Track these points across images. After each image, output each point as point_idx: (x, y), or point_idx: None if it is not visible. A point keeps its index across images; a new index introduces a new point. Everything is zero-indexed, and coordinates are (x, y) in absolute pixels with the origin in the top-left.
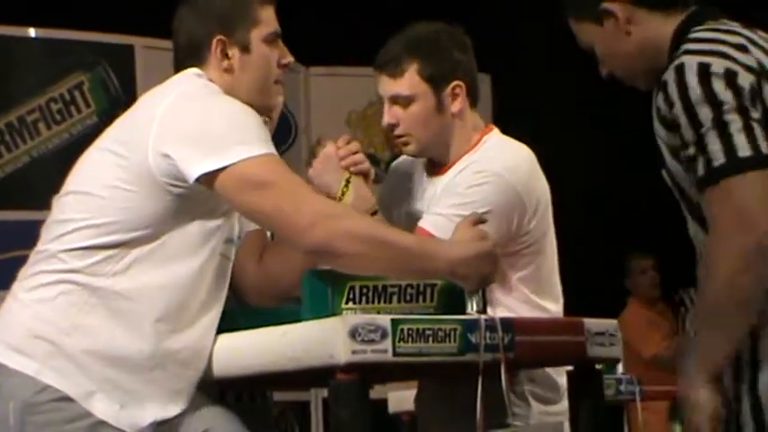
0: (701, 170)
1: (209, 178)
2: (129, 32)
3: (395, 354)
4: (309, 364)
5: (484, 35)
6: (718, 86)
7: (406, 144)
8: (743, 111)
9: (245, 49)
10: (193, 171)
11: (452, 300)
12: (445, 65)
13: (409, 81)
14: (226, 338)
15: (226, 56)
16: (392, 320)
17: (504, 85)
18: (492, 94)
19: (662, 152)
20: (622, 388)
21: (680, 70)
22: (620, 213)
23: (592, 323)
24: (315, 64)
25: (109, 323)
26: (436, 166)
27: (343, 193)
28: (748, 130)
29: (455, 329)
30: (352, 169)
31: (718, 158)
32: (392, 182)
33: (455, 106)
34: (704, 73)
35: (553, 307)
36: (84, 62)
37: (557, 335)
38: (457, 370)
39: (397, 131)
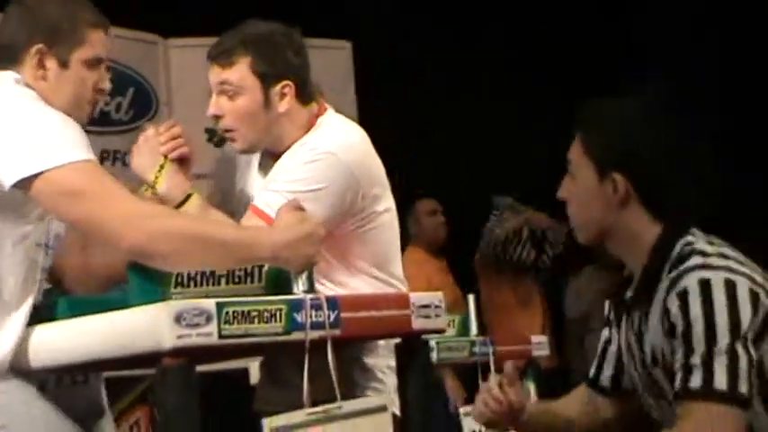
0: (696, 381)
1: (24, 184)
2: None
3: (221, 336)
4: (137, 350)
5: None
6: (744, 311)
7: (233, 140)
8: (755, 342)
9: (64, 65)
10: (9, 177)
11: (281, 280)
12: (277, 64)
13: (239, 73)
14: (46, 328)
15: (42, 66)
16: (217, 303)
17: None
18: (354, 62)
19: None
20: (476, 349)
21: (706, 286)
22: None
23: (417, 296)
24: (174, 35)
25: None
26: (272, 154)
27: (156, 178)
28: (750, 366)
29: (281, 309)
30: (170, 155)
31: (720, 384)
32: (228, 166)
33: (282, 106)
34: (732, 294)
35: (396, 281)
36: None
37: (382, 309)
38: (285, 349)
39: (222, 124)
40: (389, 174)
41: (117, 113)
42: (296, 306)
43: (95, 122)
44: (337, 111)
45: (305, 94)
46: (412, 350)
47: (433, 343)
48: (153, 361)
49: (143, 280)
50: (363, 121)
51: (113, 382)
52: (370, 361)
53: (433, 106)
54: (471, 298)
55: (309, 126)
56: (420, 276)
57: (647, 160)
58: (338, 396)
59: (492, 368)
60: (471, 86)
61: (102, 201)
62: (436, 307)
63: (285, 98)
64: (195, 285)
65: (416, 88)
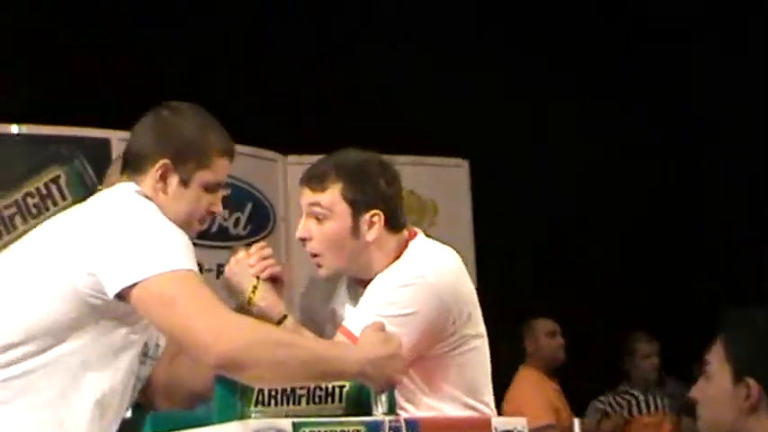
0: None
1: (125, 292)
2: (105, 126)
3: None
4: None
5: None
6: None
7: (318, 266)
8: None
9: (185, 183)
10: (111, 287)
11: (361, 401)
12: (368, 192)
13: (330, 198)
14: None
15: (164, 180)
16: (293, 424)
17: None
18: (471, 179)
19: None
20: None
21: None
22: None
23: (499, 421)
24: (292, 152)
25: None
26: (360, 282)
27: (250, 299)
28: None
29: (358, 430)
30: (261, 275)
31: None
32: (317, 287)
33: (370, 234)
34: None
35: (485, 407)
36: (60, 156)
37: None
38: None
39: (310, 248)
40: (502, 292)
41: (235, 228)
42: (374, 427)
43: (213, 237)
44: (453, 229)
45: (395, 223)
46: None
47: None
48: None
49: (225, 397)
50: (479, 239)
51: None
52: None
53: (549, 225)
54: (577, 422)
55: (399, 253)
56: (540, 396)
57: None
58: None
59: None
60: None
61: (195, 309)
62: (519, 431)
63: (374, 227)
64: (276, 404)
65: (532, 207)
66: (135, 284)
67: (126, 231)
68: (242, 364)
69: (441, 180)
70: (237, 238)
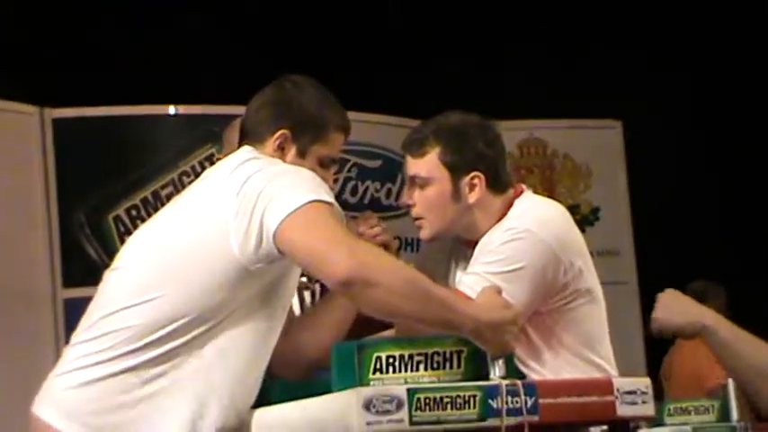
0: None
1: (278, 235)
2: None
3: (411, 423)
4: None
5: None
6: None
7: (420, 227)
8: None
9: (302, 155)
10: (269, 232)
11: (479, 367)
12: (467, 155)
13: (428, 164)
14: (261, 412)
15: (282, 149)
16: (408, 390)
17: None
18: (624, 140)
19: None
20: None
21: None
22: None
23: (622, 382)
24: None
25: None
26: (468, 243)
27: None
28: None
29: (475, 396)
30: (372, 242)
31: None
32: (428, 252)
33: (472, 197)
34: None
35: (604, 362)
36: (213, 134)
37: (584, 395)
38: None
39: (414, 213)
40: (662, 253)
41: (387, 199)
42: (491, 392)
43: (365, 208)
44: (607, 190)
45: (498, 184)
46: None
47: (689, 429)
48: None
49: (343, 363)
50: (634, 200)
51: None
52: None
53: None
54: (730, 381)
55: (504, 213)
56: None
57: None
58: None
59: None
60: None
61: (335, 232)
62: (642, 393)
63: (475, 189)
64: (394, 371)
65: (687, 168)
66: (282, 223)
67: (262, 182)
68: (371, 280)
69: (595, 143)
70: (389, 208)
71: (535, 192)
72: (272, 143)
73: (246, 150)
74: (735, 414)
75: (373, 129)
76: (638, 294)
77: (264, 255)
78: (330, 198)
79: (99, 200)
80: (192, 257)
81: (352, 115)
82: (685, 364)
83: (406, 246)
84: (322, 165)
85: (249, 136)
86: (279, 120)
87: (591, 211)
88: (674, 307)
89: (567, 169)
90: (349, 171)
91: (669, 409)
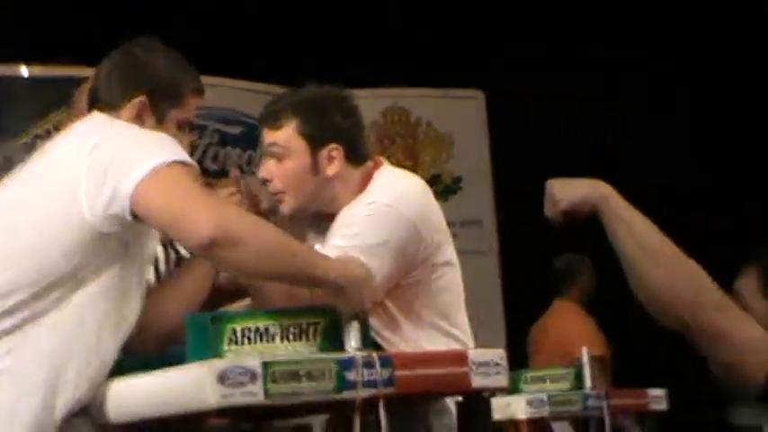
0: None
1: (134, 196)
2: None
3: (267, 395)
4: (184, 409)
5: (475, 52)
6: None
7: (280, 202)
8: None
9: (160, 121)
10: (124, 194)
11: (335, 339)
12: (324, 127)
13: (286, 135)
14: (112, 384)
15: (140, 117)
16: (263, 363)
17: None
18: (487, 111)
19: None
20: (590, 403)
21: None
22: None
23: (476, 353)
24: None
25: None
26: (326, 217)
27: None
28: None
29: (330, 368)
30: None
31: None
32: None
33: (331, 169)
34: None
35: (463, 334)
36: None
37: (440, 367)
38: (338, 408)
39: (272, 188)
40: (527, 226)
41: (248, 166)
42: (346, 364)
43: (226, 174)
44: (471, 161)
45: (356, 156)
46: (472, 409)
47: (545, 396)
48: (202, 420)
49: (198, 335)
50: (498, 171)
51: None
52: (437, 422)
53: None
54: (585, 350)
55: (363, 185)
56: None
57: None
58: None
59: (606, 422)
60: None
61: (194, 192)
62: (496, 364)
63: (333, 161)
64: (249, 342)
65: (551, 135)
66: (138, 185)
67: (115, 144)
68: (234, 238)
69: (458, 113)
70: (251, 176)
71: (398, 161)
72: (128, 111)
73: (99, 115)
74: (588, 381)
75: (235, 94)
76: (498, 264)
77: (115, 217)
78: (188, 159)
79: None
80: (42, 223)
81: (213, 80)
82: (553, 333)
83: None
84: (180, 129)
85: (101, 102)
86: (134, 86)
87: (453, 181)
88: (567, 185)
89: (430, 138)
90: (211, 137)
91: (526, 378)
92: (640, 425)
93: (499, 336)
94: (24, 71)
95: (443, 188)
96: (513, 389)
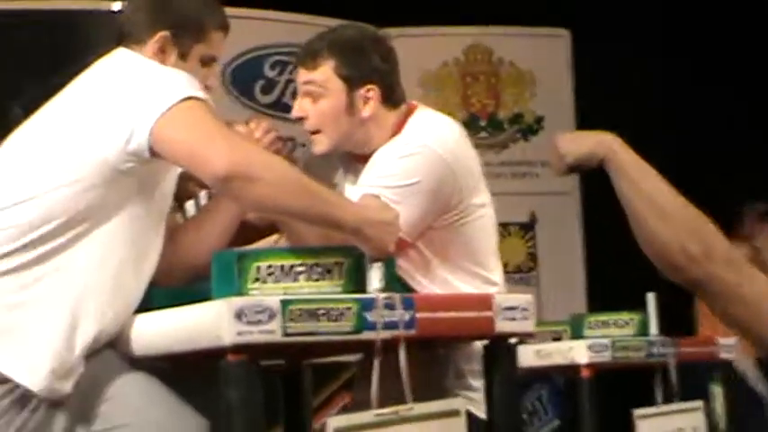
0: None
1: (152, 133)
2: None
3: (285, 334)
4: (201, 345)
5: None
6: None
7: (314, 142)
8: None
9: (183, 56)
10: (147, 125)
11: (360, 279)
12: (362, 67)
13: (323, 74)
14: (138, 319)
15: (163, 52)
16: (282, 301)
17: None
18: (572, 49)
19: None
20: (655, 350)
21: None
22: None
23: (502, 298)
24: (386, 25)
25: None
26: (360, 158)
27: None
28: None
29: (350, 308)
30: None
31: None
32: (315, 170)
33: (366, 110)
34: None
35: (497, 278)
36: None
37: (463, 311)
38: (357, 348)
39: (307, 126)
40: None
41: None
42: (367, 305)
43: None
44: (554, 101)
45: (392, 99)
46: (496, 354)
47: (608, 341)
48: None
49: (223, 272)
50: (580, 112)
51: (319, 369)
52: (465, 367)
53: (653, 100)
54: (650, 296)
55: (398, 128)
56: None
57: None
58: (409, 398)
59: (672, 370)
60: (697, 78)
61: (213, 128)
62: (524, 309)
63: (369, 102)
64: (274, 281)
65: (637, 80)
66: (157, 121)
67: (133, 81)
68: (252, 175)
69: (541, 51)
70: None
71: (480, 99)
72: (151, 46)
73: (122, 52)
74: (654, 328)
75: (310, 30)
76: (579, 204)
77: (134, 154)
78: (204, 95)
79: (36, 93)
80: (63, 157)
81: (290, 17)
82: None
83: None
84: (204, 64)
85: (127, 38)
86: (158, 22)
87: (535, 120)
88: (575, 140)
89: (513, 77)
90: (290, 73)
91: (589, 322)
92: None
93: (578, 277)
94: (116, 5)
95: (525, 127)
96: (575, 333)
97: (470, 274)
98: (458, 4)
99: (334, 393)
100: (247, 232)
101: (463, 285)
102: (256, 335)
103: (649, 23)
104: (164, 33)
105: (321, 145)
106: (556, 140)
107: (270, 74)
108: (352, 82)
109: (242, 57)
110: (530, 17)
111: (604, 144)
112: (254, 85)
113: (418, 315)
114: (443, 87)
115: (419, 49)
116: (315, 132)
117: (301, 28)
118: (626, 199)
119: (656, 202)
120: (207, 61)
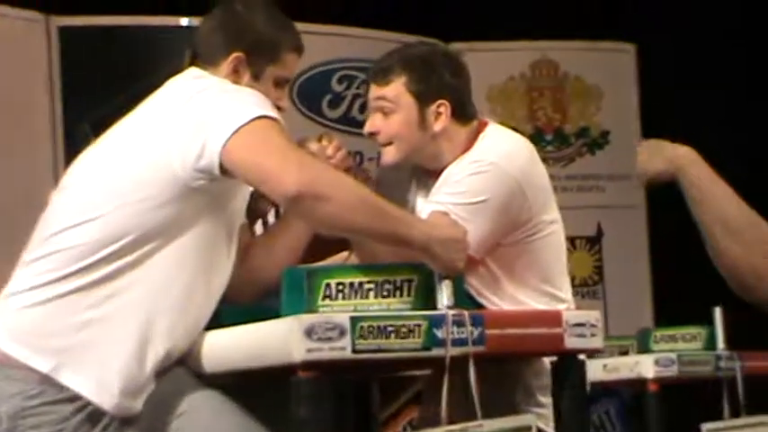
0: None
1: (224, 152)
2: None
3: (355, 351)
4: (271, 362)
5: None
6: None
7: (385, 153)
8: None
9: (256, 77)
10: (214, 149)
11: (429, 296)
12: (433, 83)
13: (394, 90)
14: (209, 336)
15: (237, 72)
16: (351, 318)
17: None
18: (637, 65)
19: None
20: (722, 364)
21: None
22: None
23: (571, 314)
24: (454, 40)
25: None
26: (431, 173)
27: None
28: None
29: (419, 325)
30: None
31: None
32: (387, 184)
33: (438, 125)
34: None
35: (565, 295)
36: None
37: (532, 327)
38: (426, 365)
39: (380, 140)
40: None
41: (362, 115)
42: (436, 322)
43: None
44: (619, 115)
45: (463, 114)
46: (565, 370)
47: (674, 356)
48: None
49: (293, 289)
50: (645, 125)
51: (388, 383)
52: (534, 383)
53: (718, 114)
54: (717, 310)
55: (469, 144)
56: None
57: None
58: (479, 414)
59: (739, 384)
60: (764, 92)
61: (285, 147)
62: (592, 326)
63: (440, 117)
64: (344, 298)
65: (702, 93)
66: (228, 140)
67: (207, 99)
68: (321, 194)
69: (607, 66)
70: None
71: (546, 114)
72: (226, 66)
73: (195, 71)
74: (721, 342)
75: (385, 46)
76: (646, 218)
77: (205, 171)
78: (276, 114)
79: (105, 111)
80: (133, 174)
81: (357, 32)
82: None
83: None
84: (277, 85)
85: (201, 58)
86: (232, 43)
87: (601, 134)
88: (652, 156)
89: (578, 91)
90: (358, 88)
91: (655, 336)
92: None
93: (644, 290)
94: (184, 21)
95: (591, 141)
96: (642, 347)
97: (538, 291)
98: (524, 19)
99: (401, 407)
100: (317, 249)
101: (532, 302)
102: (326, 352)
103: (714, 38)
104: (238, 54)
105: (391, 156)
106: (638, 152)
107: (337, 88)
108: (423, 97)
109: (309, 71)
110: (595, 32)
111: (677, 161)
112: (322, 100)
113: (487, 332)
114: (510, 102)
115: (486, 64)
116: (386, 144)
117: (369, 43)
118: (697, 215)
119: (725, 220)
120: (280, 82)
